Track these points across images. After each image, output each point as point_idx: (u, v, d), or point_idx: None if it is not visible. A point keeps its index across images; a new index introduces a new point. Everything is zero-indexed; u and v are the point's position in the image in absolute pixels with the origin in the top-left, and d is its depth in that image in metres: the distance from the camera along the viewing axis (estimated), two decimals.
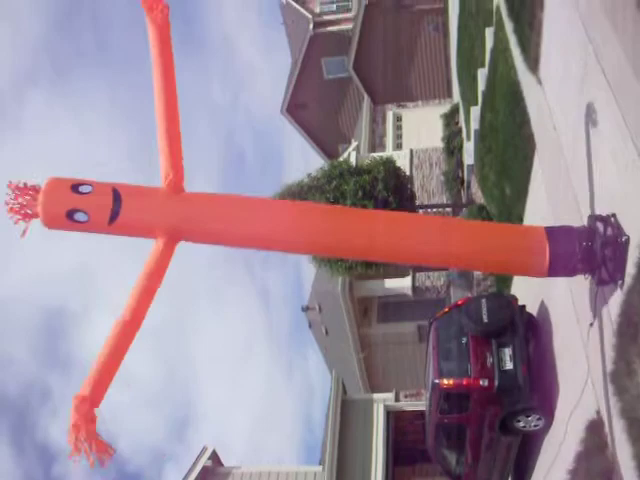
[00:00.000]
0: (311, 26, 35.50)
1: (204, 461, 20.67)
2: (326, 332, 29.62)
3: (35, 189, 7.89)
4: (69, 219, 7.91)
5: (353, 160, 28.33)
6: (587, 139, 9.66)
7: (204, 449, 21.01)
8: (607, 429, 9.43)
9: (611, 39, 8.38)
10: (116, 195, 8.01)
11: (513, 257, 8.92)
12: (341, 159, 27.60)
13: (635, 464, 8.16)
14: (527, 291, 14.66)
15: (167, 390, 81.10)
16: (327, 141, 39.90)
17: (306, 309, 29.62)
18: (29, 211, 7.81)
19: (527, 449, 14.46)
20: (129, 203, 8.05)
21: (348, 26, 35.52)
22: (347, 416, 21.90)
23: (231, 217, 8.52)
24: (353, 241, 8.74)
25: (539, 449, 13.76)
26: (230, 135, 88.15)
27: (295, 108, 38.21)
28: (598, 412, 9.85)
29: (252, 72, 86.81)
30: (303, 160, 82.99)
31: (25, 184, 7.88)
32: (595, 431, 9.95)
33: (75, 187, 7.99)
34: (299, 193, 22.28)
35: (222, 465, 21.57)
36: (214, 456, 21.25)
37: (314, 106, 38.17)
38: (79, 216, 7.95)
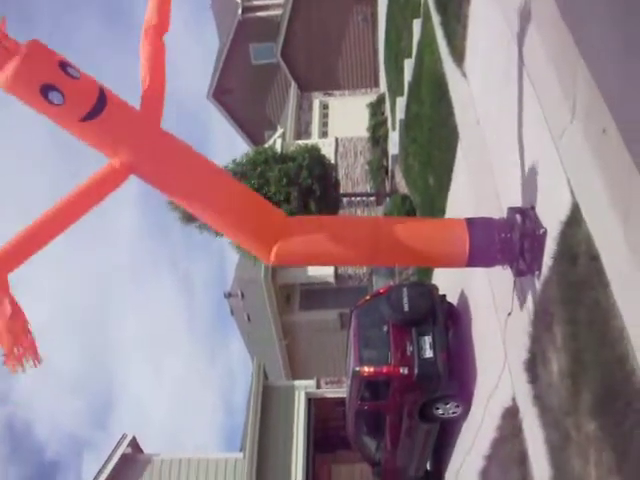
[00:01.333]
0: (240, 11, 35.16)
1: (124, 448, 20.43)
2: (248, 319, 29.56)
3: (14, 42, 6.78)
4: (41, 94, 6.91)
5: (278, 147, 28.30)
6: (508, 133, 9.85)
7: (124, 436, 20.76)
8: (521, 416, 9.67)
9: (532, 34, 8.55)
10: (102, 96, 7.21)
11: (436, 250, 8.97)
12: (266, 145, 27.54)
13: (546, 449, 8.41)
14: (447, 281, 14.89)
15: (86, 375, 79.89)
16: (253, 127, 39.69)
17: (228, 295, 29.48)
18: None
19: (446, 435, 14.72)
20: (110, 110, 7.29)
21: (277, 12, 35.33)
22: (268, 403, 21.91)
23: (187, 173, 7.96)
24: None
25: (457, 435, 14.02)
26: None
27: (221, 93, 37.87)
28: (514, 399, 10.09)
29: (178, 55, 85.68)
30: (229, 146, 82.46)
31: (3, 31, 6.72)
32: (510, 418, 10.18)
33: (63, 64, 7.01)
34: None
35: (142, 452, 21.36)
36: (134, 443, 21.02)
37: (241, 92, 37.88)
38: (54, 96, 6.95)
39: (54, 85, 6.91)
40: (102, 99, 7.23)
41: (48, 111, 7.11)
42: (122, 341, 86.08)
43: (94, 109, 7.17)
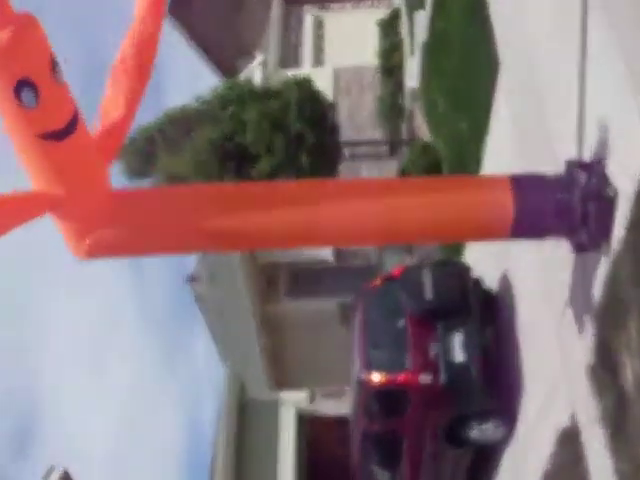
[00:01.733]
0: None
1: None
2: (219, 311, 29.62)
3: (10, 9, 6.58)
4: (15, 89, 6.75)
5: (258, 79, 28.18)
6: (568, 61, 9.77)
7: (51, 469, 20.86)
8: (583, 439, 9.69)
9: None
10: (74, 119, 7.27)
11: (469, 220, 8.88)
12: (241, 78, 27.45)
13: None
14: (484, 259, 14.88)
15: (4, 390, 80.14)
16: (223, 53, 39.44)
17: (192, 280, 29.50)
18: None
19: (482, 464, 14.76)
20: (75, 140, 7.33)
21: None
22: (246, 422, 22.05)
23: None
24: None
25: (497, 465, 14.07)
26: (96, 46, 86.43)
27: (179, 7, 37.55)
28: (573, 417, 10.11)
29: None
30: (190, 77, 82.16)
31: None
32: (569, 442, 10.21)
33: (54, 64, 6.95)
34: (185, 121, 22.09)
35: None
36: (65, 477, 21.12)
37: (206, 5, 37.63)
38: (27, 96, 6.80)
39: (35, 83, 6.81)
40: (74, 123, 7.25)
41: (6, 108, 6.96)
42: (53, 340, 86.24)
43: (63, 130, 7.17)
